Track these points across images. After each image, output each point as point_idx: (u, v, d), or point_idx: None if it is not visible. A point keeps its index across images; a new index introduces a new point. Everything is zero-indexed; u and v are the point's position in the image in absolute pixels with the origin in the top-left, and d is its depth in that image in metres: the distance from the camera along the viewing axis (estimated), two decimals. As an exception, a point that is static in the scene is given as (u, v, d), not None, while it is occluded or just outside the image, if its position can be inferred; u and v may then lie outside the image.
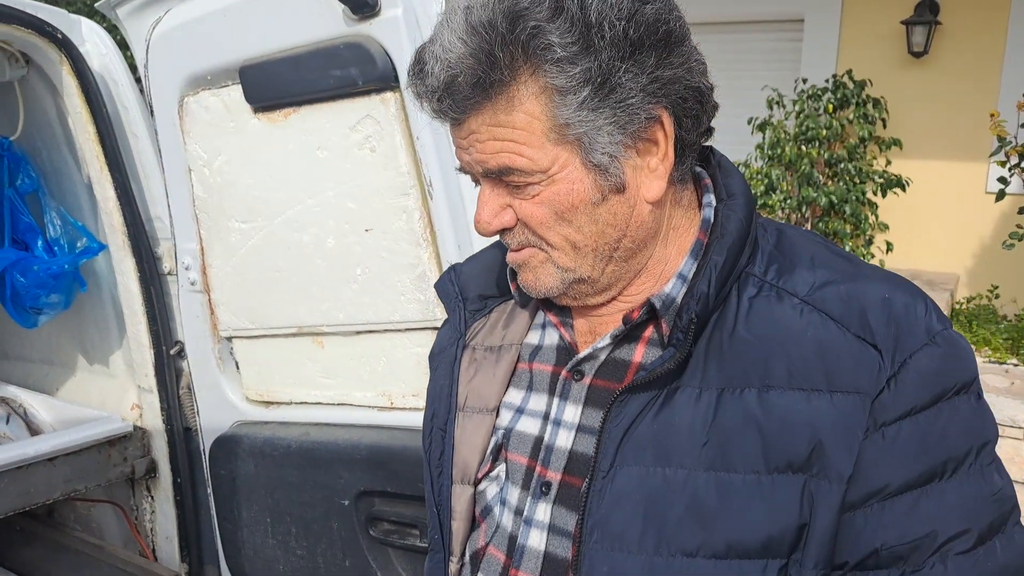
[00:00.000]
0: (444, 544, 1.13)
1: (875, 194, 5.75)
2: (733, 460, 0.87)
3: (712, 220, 0.98)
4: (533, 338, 1.09)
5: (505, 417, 1.06)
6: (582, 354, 1.00)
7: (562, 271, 0.95)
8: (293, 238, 2.05)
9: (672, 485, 0.89)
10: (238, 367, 2.25)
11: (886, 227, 5.86)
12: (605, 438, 0.94)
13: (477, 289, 1.19)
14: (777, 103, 6.03)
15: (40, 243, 2.31)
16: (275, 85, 1.91)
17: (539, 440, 1.01)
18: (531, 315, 1.12)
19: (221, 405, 2.26)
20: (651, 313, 0.97)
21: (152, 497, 2.42)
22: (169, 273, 2.32)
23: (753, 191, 5.73)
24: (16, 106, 2.30)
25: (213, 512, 2.28)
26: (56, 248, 2.30)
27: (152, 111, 2.11)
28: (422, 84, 0.90)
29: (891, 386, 0.85)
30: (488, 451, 1.07)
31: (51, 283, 2.26)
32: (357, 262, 1.97)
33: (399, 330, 2.00)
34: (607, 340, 0.99)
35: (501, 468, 1.05)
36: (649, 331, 0.98)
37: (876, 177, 5.72)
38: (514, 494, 1.02)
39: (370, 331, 2.04)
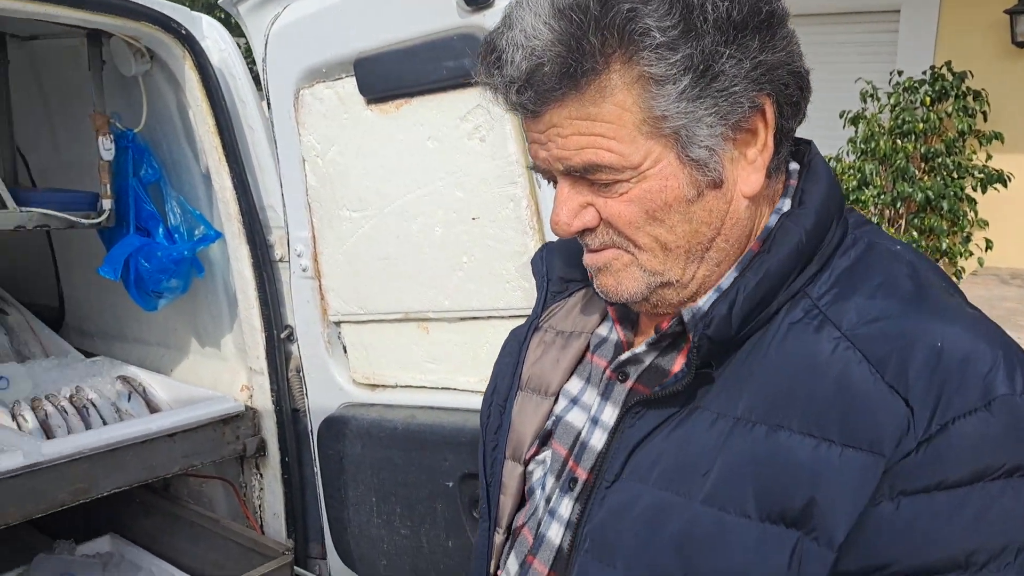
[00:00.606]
0: (491, 515, 1.11)
1: (974, 190, 5.54)
2: (726, 498, 0.80)
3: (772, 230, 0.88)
4: (603, 329, 1.06)
5: (561, 404, 1.05)
6: (624, 356, 0.96)
7: (648, 275, 0.88)
8: (402, 227, 2.10)
9: (667, 511, 0.83)
10: (346, 351, 2.33)
11: (985, 224, 5.64)
12: (615, 447, 0.91)
13: (561, 271, 1.16)
14: (871, 96, 5.86)
15: (161, 230, 2.43)
16: (388, 77, 1.96)
17: (578, 434, 0.99)
18: (607, 304, 1.07)
19: (329, 387, 2.34)
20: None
21: (261, 475, 2.52)
22: (281, 260, 2.41)
23: (844, 188, 5.59)
24: (140, 100, 2.42)
25: (320, 491, 2.37)
26: (176, 235, 2.42)
27: (269, 103, 2.20)
28: (499, 74, 0.83)
29: (921, 451, 0.72)
30: (539, 435, 1.05)
31: (172, 268, 2.38)
32: (464, 250, 2.01)
33: (503, 317, 2.03)
34: (644, 347, 0.94)
35: (547, 454, 1.03)
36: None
37: (976, 172, 5.51)
38: (550, 482, 1.01)
39: (474, 317, 2.08)
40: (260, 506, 2.54)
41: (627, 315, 1.02)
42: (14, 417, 2.29)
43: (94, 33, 2.31)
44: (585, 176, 0.85)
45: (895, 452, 0.73)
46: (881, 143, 5.65)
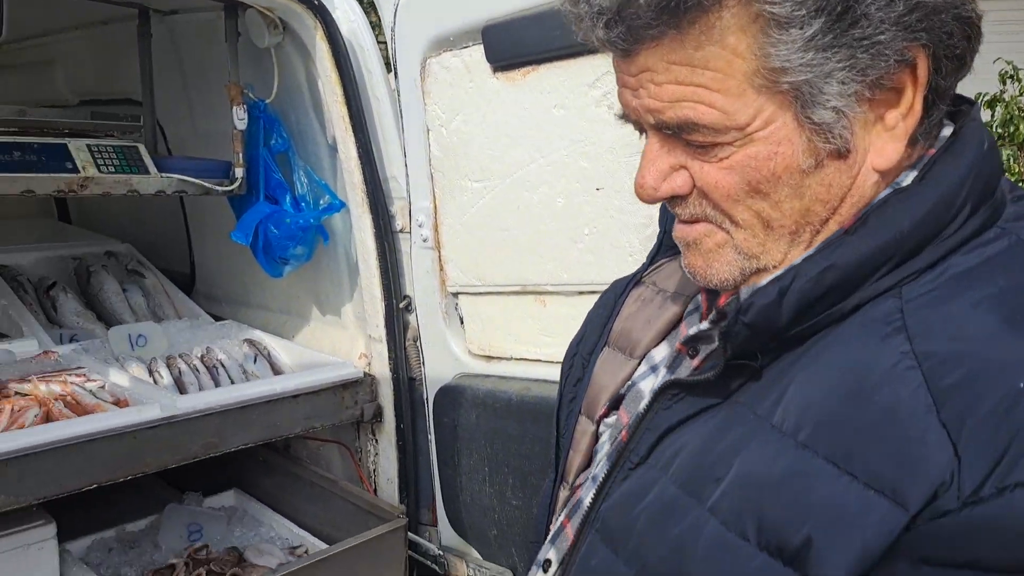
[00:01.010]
0: (557, 468, 1.06)
1: None
2: (728, 512, 0.69)
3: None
4: (701, 297, 0.95)
5: (641, 369, 0.96)
6: (693, 331, 0.85)
7: (744, 258, 0.76)
8: (523, 197, 2.09)
9: (676, 509, 0.74)
10: (462, 322, 2.34)
11: None
12: (644, 427, 0.82)
13: None
14: (1011, 77, 5.49)
15: (288, 198, 2.50)
16: (516, 44, 1.95)
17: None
18: None
19: (445, 357, 2.36)
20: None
21: (376, 440, 2.58)
22: (401, 231, 2.44)
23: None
24: (271, 71, 2.49)
25: (433, 458, 2.40)
26: (303, 204, 2.49)
27: (396, 74, 2.23)
28: (586, 3, 0.71)
29: (963, 515, 0.57)
30: (613, 396, 0.98)
31: (299, 235, 2.45)
32: (586, 222, 1.98)
33: (624, 291, 1.99)
34: (707, 323, 0.83)
35: (614, 418, 0.97)
36: None
37: None
38: (605, 447, 0.95)
39: (592, 291, 2.05)
40: (374, 471, 2.60)
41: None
42: (151, 372, 2.41)
43: (231, 6, 2.39)
44: (679, 135, 0.73)
45: (927, 508, 0.59)
46: (1021, 127, 5.29)
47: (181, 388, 2.39)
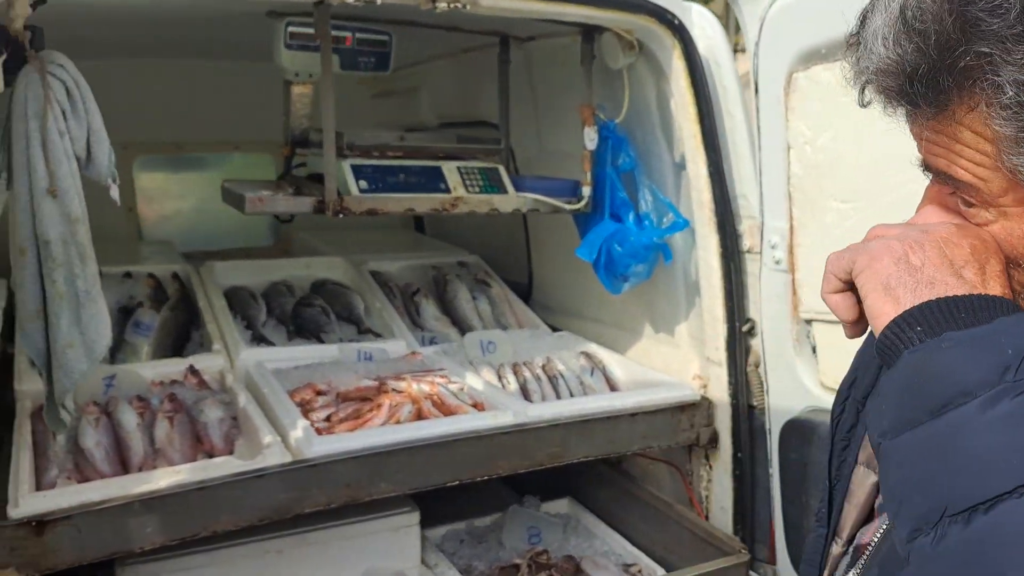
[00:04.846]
0: (830, 522, 1.00)
1: None
2: None
3: None
4: None
5: None
6: None
7: None
8: (895, 220, 1.90)
9: None
10: (814, 351, 2.19)
11: None
12: None
13: None
14: None
15: (631, 217, 2.53)
16: (903, 54, 1.78)
17: None
18: None
19: (793, 387, 2.23)
20: None
21: (710, 466, 2.51)
22: (749, 251, 2.35)
23: None
24: (621, 91, 2.53)
25: (775, 493, 2.27)
26: (646, 222, 2.49)
27: (756, 89, 2.15)
28: (854, 61, 0.79)
29: None
30: None
31: (642, 253, 2.46)
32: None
33: None
34: None
35: None
36: None
37: None
38: None
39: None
40: (707, 497, 2.53)
41: None
42: (500, 378, 2.56)
43: (589, 30, 2.46)
44: (947, 184, 0.79)
45: None
46: None
47: (525, 395, 2.51)
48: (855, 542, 0.99)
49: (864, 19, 0.78)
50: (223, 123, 3.52)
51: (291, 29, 2.33)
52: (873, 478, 0.96)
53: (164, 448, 2.07)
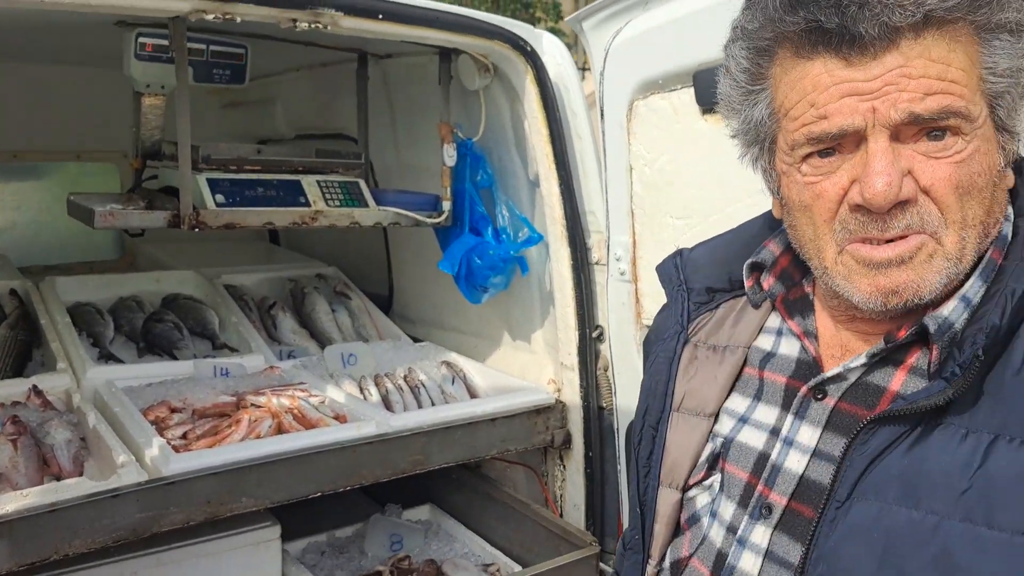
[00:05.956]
0: (644, 546, 1.07)
1: None
2: (997, 515, 0.75)
3: (1009, 238, 0.83)
4: (765, 343, 1.00)
5: (726, 424, 0.99)
6: (830, 372, 0.90)
7: (950, 264, 0.81)
8: (725, 235, 2.11)
9: (918, 530, 0.78)
10: (656, 355, 2.38)
11: None
12: (846, 466, 0.84)
13: (705, 281, 1.11)
14: None
15: (490, 231, 2.64)
16: (728, 88, 1.98)
17: (763, 456, 0.93)
18: (763, 317, 1.02)
19: (637, 388, 2.40)
20: (920, 336, 0.84)
21: (564, 466, 2.65)
22: (597, 263, 2.52)
23: None
24: (478, 111, 2.65)
25: (622, 488, 2.44)
26: (503, 236, 2.62)
27: (602, 114, 2.31)
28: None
29: None
30: (703, 458, 0.99)
31: (500, 266, 2.58)
32: (792, 262, 1.98)
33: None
34: (862, 359, 0.87)
35: (716, 478, 0.98)
36: (914, 357, 0.86)
37: None
38: (728, 509, 0.95)
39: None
40: (561, 495, 2.67)
41: (809, 329, 0.96)
42: (361, 390, 2.60)
43: (446, 51, 2.56)
44: (929, 123, 0.77)
45: None
46: None
47: (388, 406, 2.56)
48: (668, 559, 1.04)
49: None
50: (65, 131, 3.36)
51: (142, 40, 2.28)
52: (676, 495, 1.03)
53: (8, 473, 1.97)
